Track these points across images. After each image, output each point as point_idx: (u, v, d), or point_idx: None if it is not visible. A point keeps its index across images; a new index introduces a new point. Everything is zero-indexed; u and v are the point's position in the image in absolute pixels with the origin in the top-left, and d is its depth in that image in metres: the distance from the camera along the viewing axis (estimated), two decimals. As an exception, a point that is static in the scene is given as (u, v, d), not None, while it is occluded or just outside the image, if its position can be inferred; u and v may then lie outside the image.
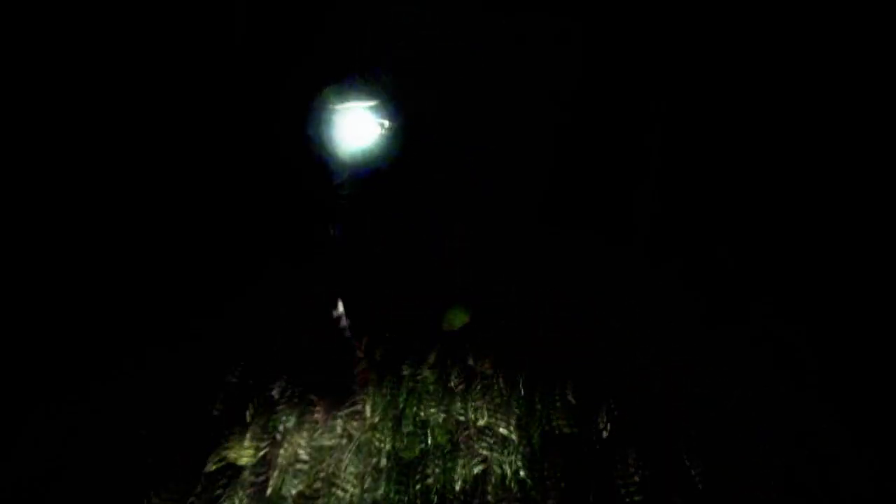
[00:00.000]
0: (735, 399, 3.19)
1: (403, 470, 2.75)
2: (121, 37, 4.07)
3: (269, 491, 2.66)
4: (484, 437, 2.91)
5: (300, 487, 2.68)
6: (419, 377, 3.23)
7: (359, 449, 2.82)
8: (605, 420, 3.05)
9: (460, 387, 3.18)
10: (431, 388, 3.15)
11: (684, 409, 3.14)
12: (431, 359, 3.36)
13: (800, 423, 3.02)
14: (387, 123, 3.97)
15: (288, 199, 4.49)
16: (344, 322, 3.60)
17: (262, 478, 2.73)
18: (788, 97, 4.18)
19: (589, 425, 3.04)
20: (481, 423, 2.97)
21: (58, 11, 3.89)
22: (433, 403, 3.05)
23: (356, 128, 3.98)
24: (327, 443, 2.85)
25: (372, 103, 3.97)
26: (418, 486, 2.66)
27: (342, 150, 4.01)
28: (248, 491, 2.68)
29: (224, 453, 2.82)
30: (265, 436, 2.92)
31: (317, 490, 2.67)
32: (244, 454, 2.81)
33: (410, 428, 2.92)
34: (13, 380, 3.17)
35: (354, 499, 2.62)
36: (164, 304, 3.80)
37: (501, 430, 2.91)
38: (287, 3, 4.39)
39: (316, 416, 3.01)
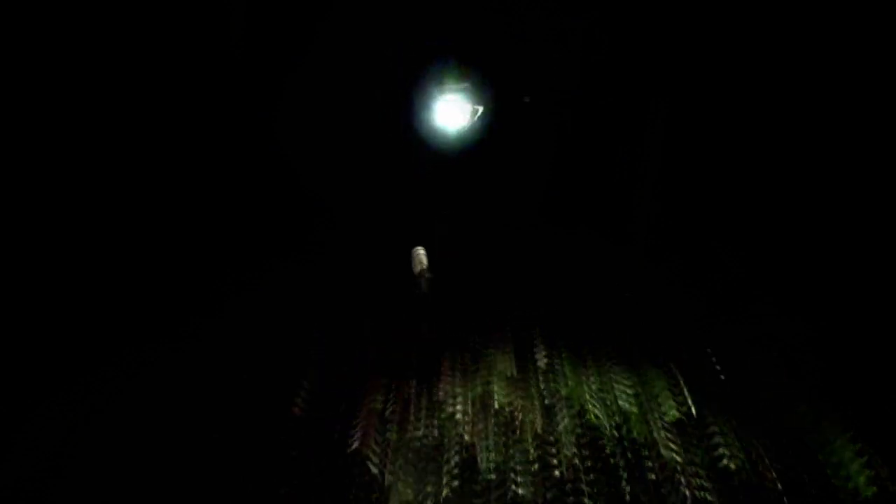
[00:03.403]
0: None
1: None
2: (120, 36, 4.07)
3: None
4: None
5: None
6: None
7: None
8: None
9: None
10: None
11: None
12: None
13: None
14: (480, 108, 4.05)
15: (288, 199, 4.50)
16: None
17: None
18: (788, 97, 4.18)
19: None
20: None
21: (56, 10, 3.89)
22: None
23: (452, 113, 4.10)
24: None
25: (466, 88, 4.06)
26: None
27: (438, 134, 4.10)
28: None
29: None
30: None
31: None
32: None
33: None
34: (13, 379, 3.17)
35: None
36: (164, 304, 3.80)
37: None
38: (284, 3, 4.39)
39: None
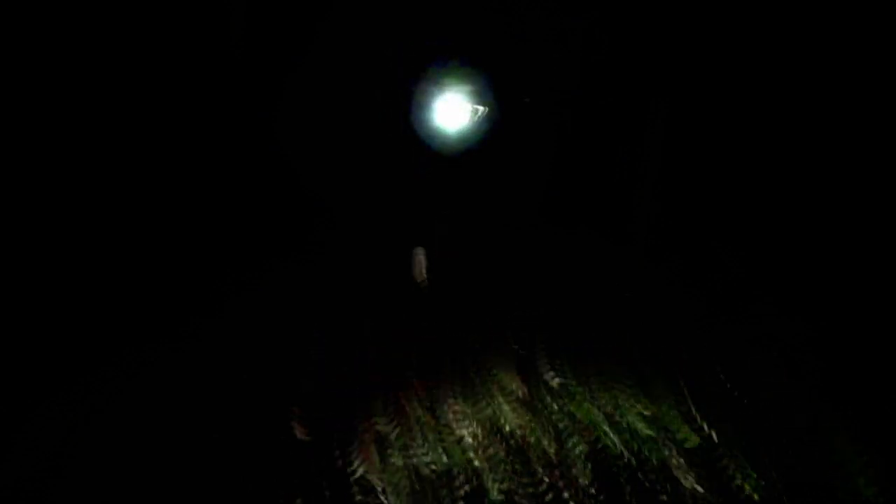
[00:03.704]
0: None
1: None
2: (117, 34, 4.07)
3: None
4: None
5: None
6: None
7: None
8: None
9: None
10: None
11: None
12: None
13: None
14: (480, 109, 4.02)
15: (288, 198, 4.49)
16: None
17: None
18: (788, 96, 4.18)
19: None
20: None
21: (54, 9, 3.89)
22: None
23: (452, 113, 4.06)
24: None
25: (468, 88, 4.02)
26: None
27: (438, 134, 4.06)
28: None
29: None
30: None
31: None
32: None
33: None
34: (12, 378, 3.16)
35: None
36: (164, 304, 3.79)
37: None
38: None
39: None
